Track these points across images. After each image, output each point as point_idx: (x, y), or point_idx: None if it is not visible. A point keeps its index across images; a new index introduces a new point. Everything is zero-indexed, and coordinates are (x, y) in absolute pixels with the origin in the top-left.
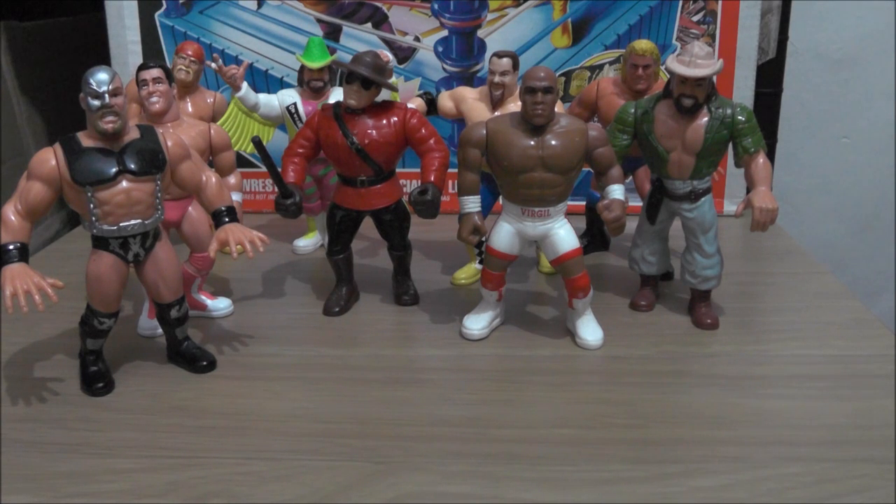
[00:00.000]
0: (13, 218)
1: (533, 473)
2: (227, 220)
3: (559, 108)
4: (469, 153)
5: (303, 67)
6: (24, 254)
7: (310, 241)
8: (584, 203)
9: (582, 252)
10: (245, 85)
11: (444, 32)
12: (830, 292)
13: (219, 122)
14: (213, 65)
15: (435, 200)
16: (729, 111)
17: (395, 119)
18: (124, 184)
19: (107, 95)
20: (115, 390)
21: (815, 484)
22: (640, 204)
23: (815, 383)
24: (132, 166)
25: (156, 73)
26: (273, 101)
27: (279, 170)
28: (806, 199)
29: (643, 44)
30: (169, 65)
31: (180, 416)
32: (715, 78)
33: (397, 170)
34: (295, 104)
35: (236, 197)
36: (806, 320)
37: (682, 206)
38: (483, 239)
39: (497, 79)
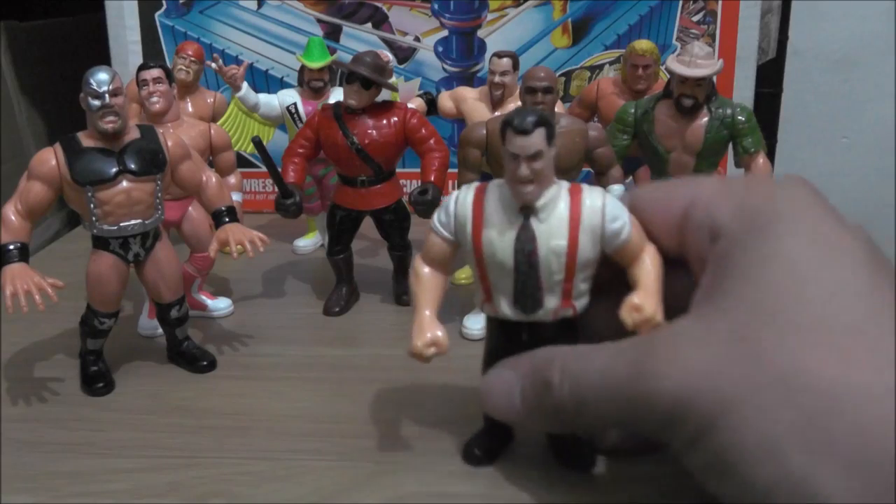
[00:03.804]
0: (13, 218)
1: (533, 473)
2: (227, 220)
3: (559, 108)
4: (469, 153)
5: (303, 67)
6: (24, 254)
7: (310, 241)
8: None
9: None
10: (245, 85)
11: (444, 32)
12: None
13: (219, 122)
14: (213, 65)
15: (435, 200)
16: (729, 111)
17: (395, 119)
18: (124, 184)
19: (107, 95)
20: (116, 390)
21: None
22: None
23: None
24: (132, 166)
25: (156, 73)
26: (273, 102)
27: (279, 170)
28: None
29: (643, 44)
30: (169, 65)
31: (180, 416)
32: (715, 78)
33: (397, 170)
34: (295, 104)
35: (236, 197)
36: None
37: None
38: None
39: (497, 79)
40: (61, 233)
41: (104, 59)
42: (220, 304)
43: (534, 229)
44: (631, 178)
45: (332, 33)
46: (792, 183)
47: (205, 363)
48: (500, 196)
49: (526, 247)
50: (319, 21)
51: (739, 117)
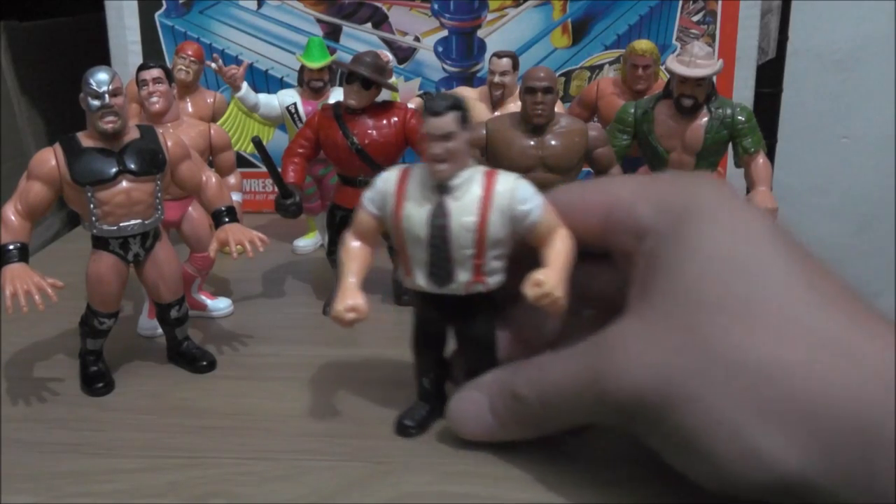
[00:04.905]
0: (13, 218)
1: (533, 473)
2: (227, 220)
3: (559, 108)
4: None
5: (303, 67)
6: (24, 254)
7: (310, 241)
8: None
9: None
10: (245, 85)
11: (444, 32)
12: None
13: (219, 122)
14: (213, 65)
15: None
16: (729, 111)
17: (395, 119)
18: (124, 184)
19: (107, 95)
20: (116, 390)
21: None
22: None
23: None
24: (132, 166)
25: (156, 73)
26: (273, 102)
27: (279, 170)
28: (806, 199)
29: (643, 44)
30: (169, 65)
31: (180, 416)
32: (715, 78)
33: None
34: (295, 104)
35: (236, 197)
36: None
37: None
38: None
39: (497, 79)
40: (61, 233)
41: (104, 59)
42: (219, 304)
43: (447, 205)
44: None
45: (332, 33)
46: (707, 180)
47: (205, 363)
48: (421, 176)
49: (439, 221)
50: (319, 21)
51: (739, 117)
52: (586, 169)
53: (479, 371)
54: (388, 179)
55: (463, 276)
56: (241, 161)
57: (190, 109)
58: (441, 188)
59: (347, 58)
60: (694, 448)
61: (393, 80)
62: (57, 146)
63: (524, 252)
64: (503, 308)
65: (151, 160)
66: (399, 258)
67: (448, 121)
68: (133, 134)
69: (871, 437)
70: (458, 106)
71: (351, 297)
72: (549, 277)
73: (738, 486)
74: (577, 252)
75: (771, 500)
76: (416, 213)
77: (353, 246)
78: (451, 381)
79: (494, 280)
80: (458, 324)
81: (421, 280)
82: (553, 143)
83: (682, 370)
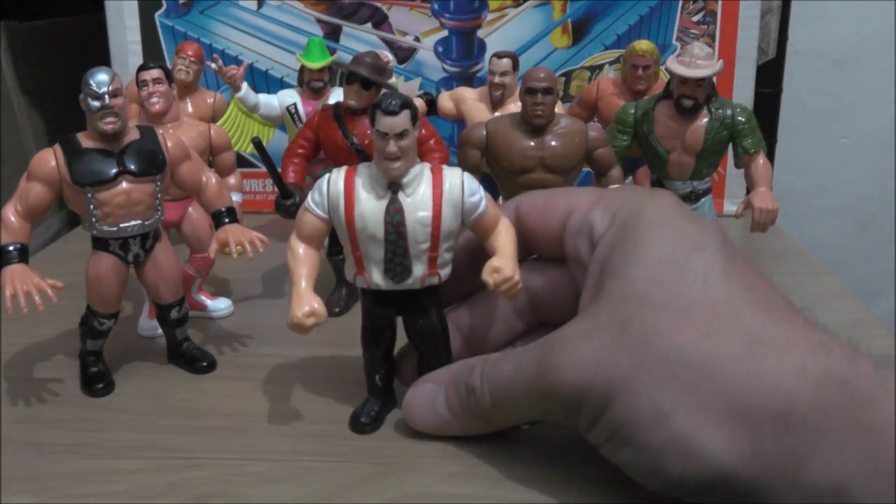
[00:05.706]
0: (13, 219)
1: (533, 474)
2: (226, 220)
3: (559, 108)
4: (469, 154)
5: (303, 68)
6: (23, 254)
7: None
8: None
9: None
10: (245, 85)
11: (444, 32)
12: (830, 293)
13: (219, 123)
14: (213, 65)
15: None
16: (729, 112)
17: None
18: (124, 185)
19: (107, 96)
20: (116, 391)
21: None
22: None
23: None
24: (132, 167)
25: (156, 73)
26: (273, 102)
27: (279, 170)
28: (806, 199)
29: (643, 44)
30: (169, 65)
31: (180, 416)
32: (715, 78)
33: None
34: (295, 104)
35: (236, 197)
36: None
37: None
38: None
39: (497, 79)
40: (61, 233)
41: (104, 59)
42: (219, 305)
43: (401, 202)
44: (631, 178)
45: (332, 33)
46: (657, 193)
47: (205, 364)
48: (369, 175)
49: (394, 218)
50: (319, 21)
51: (739, 118)
52: (586, 169)
53: (435, 365)
54: (335, 183)
55: (419, 271)
56: (241, 161)
57: (190, 110)
58: (393, 186)
59: (347, 58)
60: (632, 442)
61: (393, 80)
62: (57, 147)
63: (471, 255)
64: (451, 312)
65: (151, 161)
66: (350, 258)
67: (403, 119)
68: (133, 134)
69: (799, 431)
70: (410, 104)
71: (307, 301)
72: (505, 264)
73: (674, 481)
74: (536, 259)
75: (704, 498)
76: (370, 213)
77: (301, 250)
78: (399, 379)
79: (445, 272)
80: (412, 318)
81: (377, 278)
82: (553, 143)
83: (623, 365)
